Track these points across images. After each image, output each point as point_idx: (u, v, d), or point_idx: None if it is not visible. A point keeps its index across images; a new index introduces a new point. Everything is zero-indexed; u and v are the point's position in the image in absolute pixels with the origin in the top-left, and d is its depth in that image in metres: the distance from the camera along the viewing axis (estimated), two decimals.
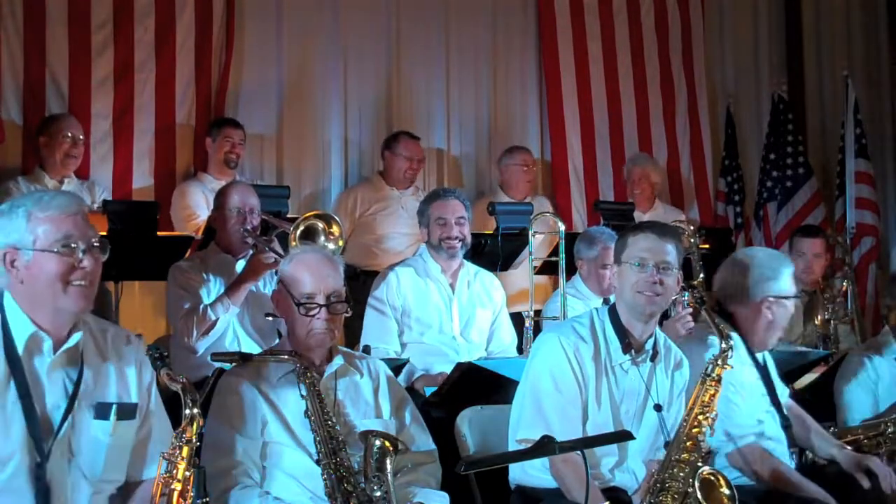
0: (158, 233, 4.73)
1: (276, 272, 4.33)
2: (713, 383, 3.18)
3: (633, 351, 3.24)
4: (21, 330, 2.50)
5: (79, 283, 2.49)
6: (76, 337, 2.55)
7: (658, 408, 3.21)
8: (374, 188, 6.14)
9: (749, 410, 3.50)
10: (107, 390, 2.60)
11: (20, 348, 2.49)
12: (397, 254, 5.73)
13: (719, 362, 3.21)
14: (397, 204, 6.06)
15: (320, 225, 4.38)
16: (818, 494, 3.39)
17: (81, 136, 5.41)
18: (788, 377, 4.60)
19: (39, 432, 2.46)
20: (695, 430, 3.12)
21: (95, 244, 2.52)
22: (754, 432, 3.48)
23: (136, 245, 4.59)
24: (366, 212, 6.02)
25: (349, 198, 6.12)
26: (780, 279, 3.64)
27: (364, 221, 6.03)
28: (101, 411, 2.56)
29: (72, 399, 2.52)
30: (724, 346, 3.23)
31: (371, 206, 6.04)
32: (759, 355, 3.67)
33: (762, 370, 3.66)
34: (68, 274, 2.47)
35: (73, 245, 2.47)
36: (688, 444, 3.10)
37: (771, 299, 3.61)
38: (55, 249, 2.46)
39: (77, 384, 2.54)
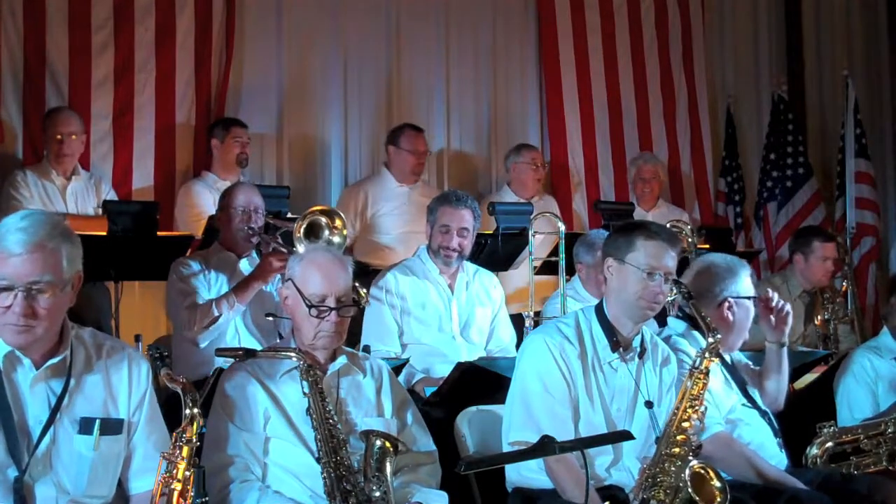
0: (158, 233, 4.73)
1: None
2: (701, 376, 3.15)
3: (620, 349, 3.24)
4: (1, 347, 2.51)
5: (9, 324, 2.44)
6: (59, 357, 2.54)
7: (649, 405, 3.20)
8: (382, 185, 6.04)
9: (718, 403, 3.49)
10: (93, 405, 2.59)
11: (0, 362, 2.50)
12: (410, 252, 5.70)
13: (707, 355, 3.17)
14: (407, 200, 5.97)
15: (323, 220, 4.38)
16: (786, 481, 3.38)
17: (75, 134, 5.36)
18: (788, 377, 4.61)
19: (17, 446, 2.46)
20: (684, 424, 3.10)
21: (35, 288, 2.43)
22: (721, 421, 3.47)
23: (136, 245, 4.60)
24: (378, 211, 5.94)
25: (358, 195, 5.99)
26: (737, 281, 3.66)
27: (374, 220, 5.97)
28: (85, 426, 2.55)
29: (53, 413, 2.52)
30: (710, 339, 3.19)
31: (382, 204, 5.95)
32: (728, 355, 3.68)
33: (730, 368, 3.65)
34: (1, 313, 2.43)
35: (5, 287, 2.42)
36: (678, 437, 3.08)
37: (731, 300, 3.63)
38: None
39: (60, 399, 2.53)
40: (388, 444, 2.84)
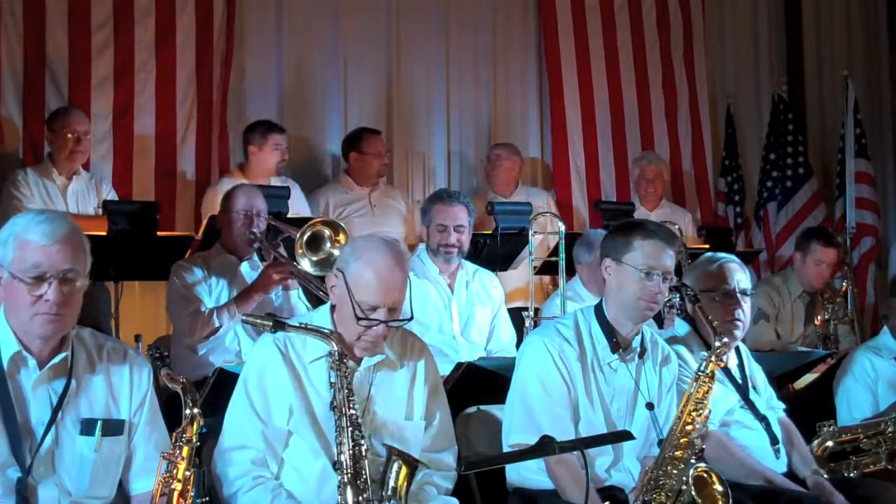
0: (158, 233, 4.73)
1: (285, 287, 4.37)
2: (707, 380, 3.14)
3: (620, 350, 3.22)
4: (7, 346, 2.51)
5: (41, 313, 2.46)
6: (61, 355, 2.55)
7: (650, 406, 3.19)
8: (344, 190, 5.97)
9: (713, 402, 3.48)
10: (94, 406, 2.59)
11: (4, 363, 2.50)
12: None
13: (713, 358, 3.17)
14: (367, 202, 5.92)
15: (327, 232, 4.38)
16: (776, 479, 3.38)
17: (88, 132, 5.39)
18: (788, 377, 4.62)
19: (20, 446, 2.47)
20: (688, 427, 3.09)
21: (69, 276, 2.46)
22: (714, 421, 3.44)
23: (136, 245, 4.60)
24: (340, 216, 5.77)
25: (318, 203, 5.88)
26: (697, 275, 3.63)
27: None
28: (87, 427, 2.55)
29: (54, 414, 2.53)
30: (717, 343, 3.19)
31: (345, 209, 5.88)
32: (735, 356, 3.66)
33: (728, 370, 3.60)
34: (33, 303, 2.45)
35: (39, 276, 2.44)
36: (682, 440, 3.08)
37: (689, 293, 3.54)
38: (20, 277, 2.44)
39: (61, 400, 2.54)
40: (405, 468, 2.74)
